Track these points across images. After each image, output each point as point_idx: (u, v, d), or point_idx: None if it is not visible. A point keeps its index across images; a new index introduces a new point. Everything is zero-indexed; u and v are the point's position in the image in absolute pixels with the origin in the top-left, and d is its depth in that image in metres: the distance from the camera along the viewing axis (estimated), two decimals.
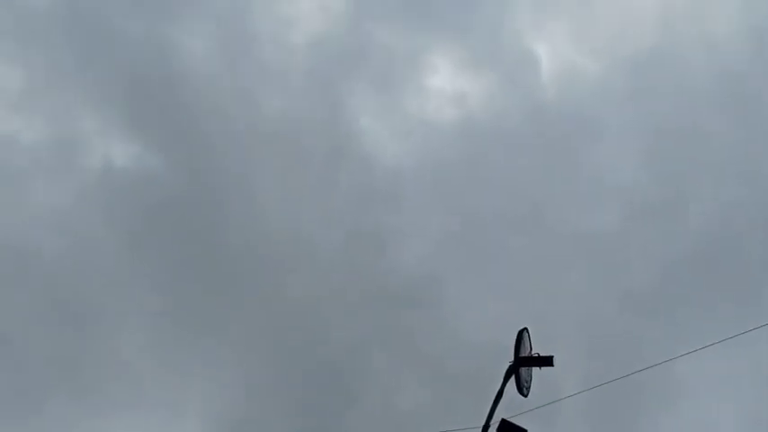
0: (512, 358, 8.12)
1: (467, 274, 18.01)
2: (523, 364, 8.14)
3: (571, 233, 18.68)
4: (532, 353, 8.28)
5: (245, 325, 17.63)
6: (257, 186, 18.88)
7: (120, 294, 16.89)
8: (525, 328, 8.29)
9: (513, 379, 8.10)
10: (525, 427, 7.76)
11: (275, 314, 17.29)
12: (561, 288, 17.15)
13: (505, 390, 7.98)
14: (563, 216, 18.88)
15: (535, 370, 8.35)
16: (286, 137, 19.64)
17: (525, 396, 8.17)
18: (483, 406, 8.02)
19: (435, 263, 18.47)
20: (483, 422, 7.88)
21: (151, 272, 17.44)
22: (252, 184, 18.89)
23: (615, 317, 16.88)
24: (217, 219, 18.44)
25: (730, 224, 18.33)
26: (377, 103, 20.57)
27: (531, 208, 19.10)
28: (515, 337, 8.17)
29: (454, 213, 19.57)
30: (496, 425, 7.75)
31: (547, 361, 8.18)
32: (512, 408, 8.00)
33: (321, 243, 18.44)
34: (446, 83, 21.66)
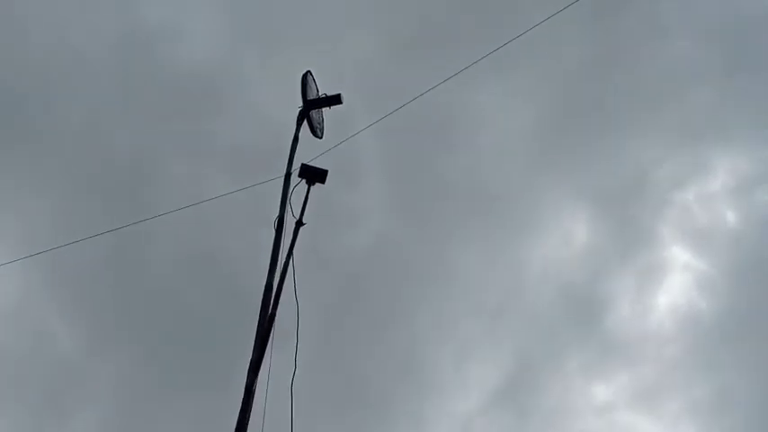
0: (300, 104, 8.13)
1: (258, 56, 17.54)
2: (312, 106, 8.18)
3: None
4: (320, 94, 8.32)
5: (35, 159, 16.56)
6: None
7: None
8: (309, 71, 8.25)
9: (306, 124, 8.16)
10: (326, 167, 7.84)
11: (64, 142, 16.28)
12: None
13: (300, 135, 8.02)
14: None
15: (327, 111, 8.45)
16: None
17: (320, 137, 8.29)
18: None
19: (223, 53, 17.80)
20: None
21: None
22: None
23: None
24: None
25: None
26: None
27: None
28: (300, 81, 8.13)
29: None
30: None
31: (335, 99, 8.26)
32: (313, 151, 8.09)
33: (89, 55, 17.10)
34: None
